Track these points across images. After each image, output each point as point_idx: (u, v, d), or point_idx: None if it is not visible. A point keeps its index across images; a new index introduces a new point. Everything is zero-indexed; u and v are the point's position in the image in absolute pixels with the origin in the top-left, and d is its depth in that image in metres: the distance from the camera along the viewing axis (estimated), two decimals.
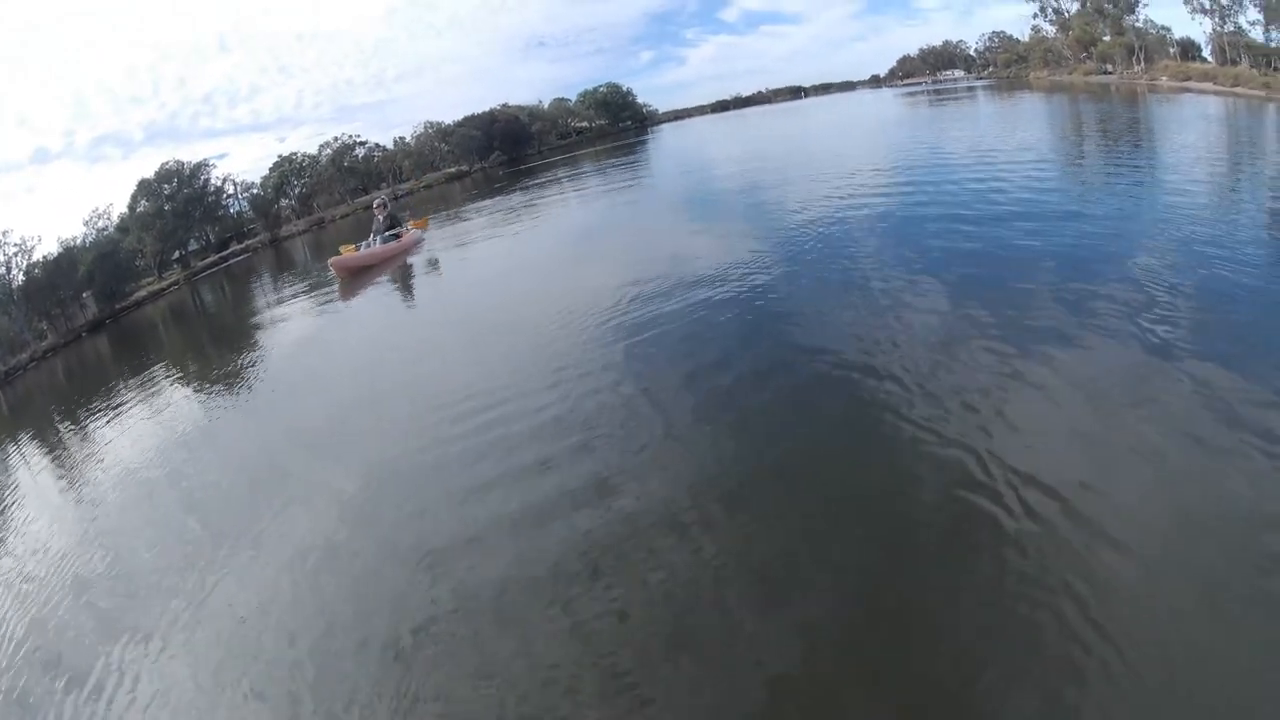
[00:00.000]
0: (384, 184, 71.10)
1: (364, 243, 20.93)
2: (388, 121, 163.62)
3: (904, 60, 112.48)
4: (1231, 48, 48.77)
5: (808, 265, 10.66)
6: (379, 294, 16.55)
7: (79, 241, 45.14)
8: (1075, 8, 66.01)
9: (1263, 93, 37.66)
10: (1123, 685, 3.18)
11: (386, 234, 21.07)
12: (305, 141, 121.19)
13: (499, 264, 17.17)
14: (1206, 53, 54.18)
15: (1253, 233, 9.42)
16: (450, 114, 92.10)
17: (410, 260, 19.60)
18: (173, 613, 5.40)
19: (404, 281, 17.35)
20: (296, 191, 68.30)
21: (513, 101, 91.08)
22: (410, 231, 22.23)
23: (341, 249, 20.50)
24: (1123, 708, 3.11)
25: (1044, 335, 6.72)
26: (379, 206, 22.26)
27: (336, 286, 18.39)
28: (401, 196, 60.10)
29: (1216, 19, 51.52)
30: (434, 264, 18.63)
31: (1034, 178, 15.20)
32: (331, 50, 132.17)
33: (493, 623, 4.35)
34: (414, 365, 10.20)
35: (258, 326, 17.25)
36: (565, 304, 10.63)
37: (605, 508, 5.17)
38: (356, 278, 18.66)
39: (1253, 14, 48.67)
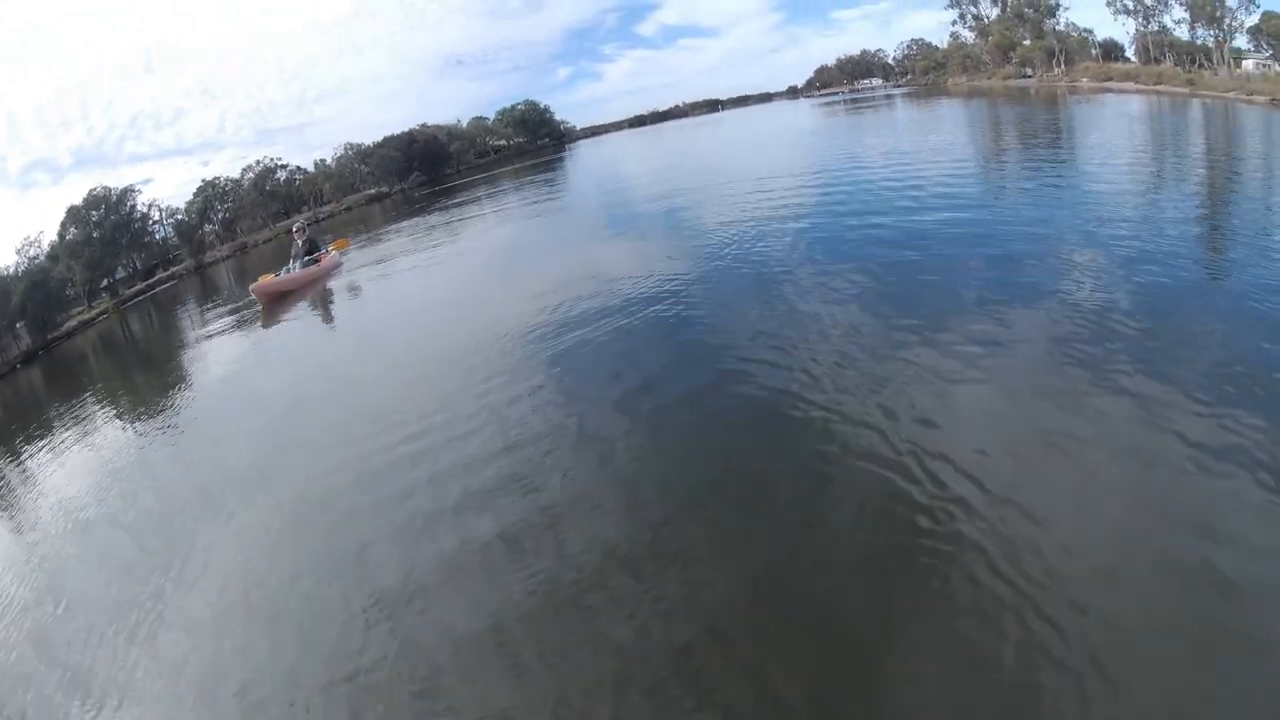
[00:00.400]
0: (305, 208, 70.80)
1: (284, 268, 20.63)
2: (308, 144, 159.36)
3: (821, 70, 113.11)
4: (1156, 47, 49.23)
5: (728, 278, 10.51)
6: (300, 319, 16.26)
7: (11, 271, 43.32)
8: (996, 13, 66.68)
9: (1186, 89, 37.48)
10: (1051, 689, 3.19)
11: (306, 259, 20.88)
12: (228, 165, 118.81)
13: (420, 286, 17.07)
14: (1130, 53, 54.96)
15: (1173, 229, 9.60)
16: (370, 135, 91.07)
17: (330, 284, 19.58)
18: (111, 653, 5.18)
19: (324, 306, 17.11)
20: (220, 216, 67.49)
21: (431, 121, 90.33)
22: (329, 255, 22.09)
23: (261, 278, 20.10)
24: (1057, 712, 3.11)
25: (967, 340, 6.69)
26: (298, 231, 22.21)
27: (259, 312, 18.17)
28: (323, 220, 60.36)
29: (1140, 19, 52.15)
30: (354, 287, 18.43)
31: (951, 182, 15.22)
32: (254, 71, 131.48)
33: (433, 660, 4.19)
34: (338, 391, 9.93)
35: (186, 355, 17.05)
36: (488, 325, 10.39)
37: (536, 535, 5.00)
38: (278, 303, 18.46)
39: (1178, 13, 49.09)
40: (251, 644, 4.79)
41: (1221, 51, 44.89)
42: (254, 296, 19.36)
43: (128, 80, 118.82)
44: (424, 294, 15.88)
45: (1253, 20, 43.87)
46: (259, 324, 17.18)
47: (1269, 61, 41.95)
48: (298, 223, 24.52)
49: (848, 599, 3.91)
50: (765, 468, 5.29)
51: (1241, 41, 45.53)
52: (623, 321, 9.24)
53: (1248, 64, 43.67)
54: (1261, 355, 5.63)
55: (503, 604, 4.41)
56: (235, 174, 71.66)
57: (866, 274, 9.30)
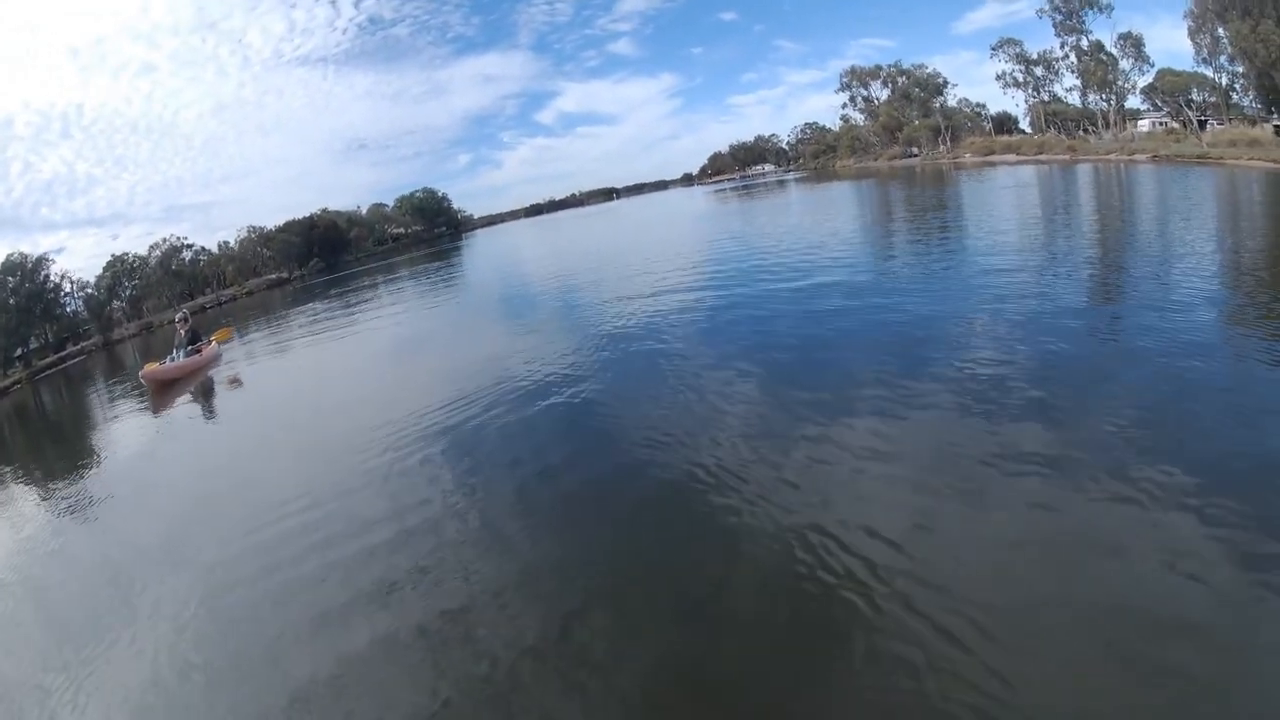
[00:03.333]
0: (208, 289, 72.15)
1: (169, 356, 20.92)
2: (213, 224, 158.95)
3: (714, 157, 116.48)
4: (1048, 116, 52.09)
5: (626, 363, 10.51)
6: (187, 406, 16.30)
7: None
8: (886, 94, 69.63)
9: (1067, 156, 39.53)
10: None
11: (189, 348, 21.01)
12: (136, 240, 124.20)
13: (312, 375, 17.09)
14: (1025, 124, 58.50)
15: (1060, 289, 10.19)
16: (274, 217, 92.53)
17: (212, 373, 19.94)
18: None
19: (206, 395, 17.14)
20: (127, 293, 66.86)
21: (333, 205, 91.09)
22: (210, 346, 22.33)
23: (147, 365, 20.47)
24: None
25: (865, 409, 6.80)
26: (180, 321, 22.28)
27: (148, 398, 18.33)
28: (224, 303, 62.10)
29: (1030, 90, 55.46)
30: (235, 379, 18.37)
31: (841, 261, 15.75)
32: (164, 145, 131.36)
33: None
34: (232, 477, 9.56)
35: (94, 434, 16.96)
36: (383, 414, 10.05)
37: (445, 629, 4.83)
38: (165, 390, 18.71)
39: (1070, 80, 52.41)
40: None
41: (1109, 116, 47.85)
42: (144, 382, 19.62)
43: (46, 143, 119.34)
44: (316, 383, 15.60)
45: (1146, 80, 46.60)
46: (150, 409, 17.27)
47: (1165, 119, 44.13)
48: (181, 312, 24.64)
49: (765, 676, 3.80)
50: (670, 551, 5.22)
51: (1136, 102, 48.73)
52: (522, 411, 9.12)
53: (1143, 124, 46.12)
54: (1159, 406, 5.86)
55: (414, 702, 4.20)
56: (143, 250, 71.51)
57: (762, 354, 9.40)
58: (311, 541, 6.51)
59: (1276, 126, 32.22)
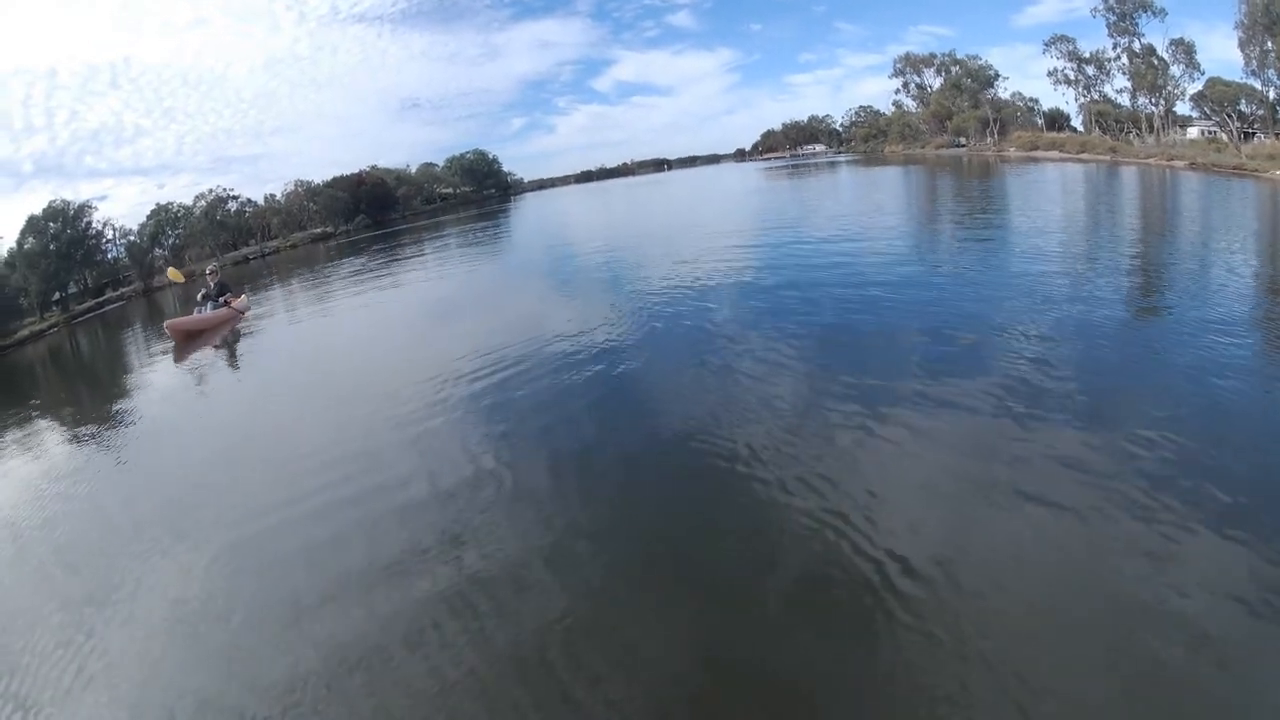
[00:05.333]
0: (253, 240, 72.81)
1: (197, 308, 21.37)
2: (262, 176, 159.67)
3: (767, 135, 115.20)
4: (1099, 116, 50.87)
5: (669, 338, 10.38)
6: (209, 358, 16.46)
7: None
8: (939, 83, 68.51)
9: (1108, 157, 39.27)
10: None
11: (218, 300, 21.46)
12: (182, 191, 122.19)
13: (339, 333, 16.81)
14: (1077, 122, 57.06)
15: (1102, 289, 10.21)
16: (323, 172, 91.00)
17: (240, 326, 20.00)
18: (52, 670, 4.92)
19: (230, 348, 17.18)
20: (170, 242, 67.28)
21: (383, 163, 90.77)
22: (240, 299, 22.66)
23: (171, 318, 20.90)
24: None
25: (904, 401, 6.73)
26: (211, 274, 22.46)
27: (174, 348, 18.56)
28: (269, 255, 63.10)
29: (1080, 89, 54.16)
30: (262, 332, 18.53)
31: (889, 247, 15.77)
32: (214, 97, 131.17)
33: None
34: (259, 431, 9.68)
35: (127, 381, 16.70)
36: (417, 374, 9.99)
37: (474, 599, 4.70)
38: (189, 340, 19.02)
39: (1120, 81, 51.07)
40: (182, 681, 4.58)
41: (1154, 120, 47.00)
42: (168, 332, 19.87)
43: (92, 93, 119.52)
44: (345, 341, 15.64)
45: (1196, 87, 45.36)
46: (174, 358, 17.48)
47: (1214, 129, 43.32)
48: (211, 265, 24.74)
49: (793, 663, 3.79)
50: (706, 531, 5.14)
51: (1185, 108, 47.35)
52: (558, 377, 9.06)
53: (1192, 131, 45.29)
54: (1192, 421, 5.75)
55: (439, 671, 4.16)
56: (189, 200, 71.60)
57: (804, 338, 9.29)
58: (332, 499, 6.49)
59: None
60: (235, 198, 74.95)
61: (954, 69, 66.19)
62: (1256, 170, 27.82)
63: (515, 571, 4.89)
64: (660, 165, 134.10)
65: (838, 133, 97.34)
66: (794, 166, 71.07)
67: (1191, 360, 7.09)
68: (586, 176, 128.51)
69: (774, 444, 6.24)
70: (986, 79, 63.14)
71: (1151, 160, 34.87)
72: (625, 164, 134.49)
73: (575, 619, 4.36)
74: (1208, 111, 44.08)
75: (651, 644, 4.08)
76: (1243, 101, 41.46)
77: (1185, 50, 45.73)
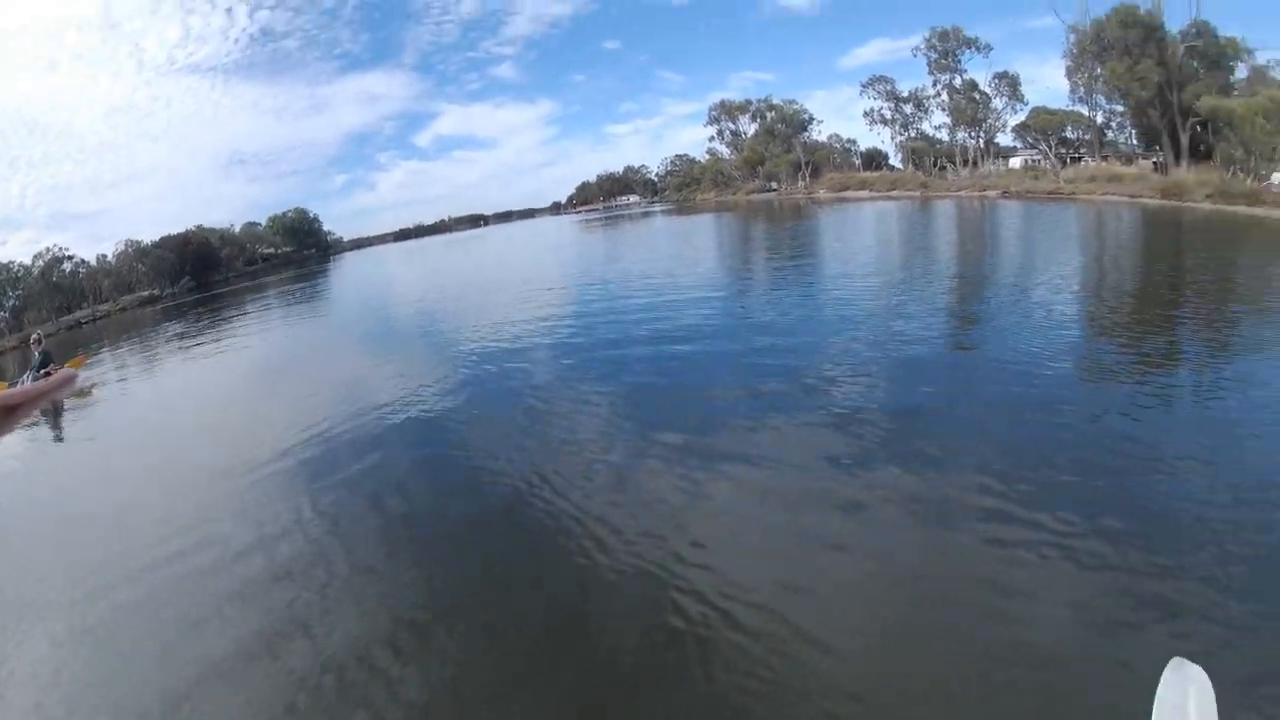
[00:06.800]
0: (85, 303, 70.21)
1: (19, 379, 20.60)
2: (99, 234, 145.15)
3: (582, 187, 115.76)
4: (916, 153, 53.51)
5: (485, 399, 10.22)
6: (34, 431, 15.67)
7: None
8: (754, 129, 69.87)
9: (918, 193, 39.79)
10: None
11: (39, 372, 20.51)
12: (23, 248, 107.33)
13: (162, 401, 16.15)
14: (896, 159, 59.76)
15: (915, 319, 10.77)
16: (154, 231, 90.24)
17: (64, 397, 18.92)
18: None
19: (56, 419, 16.41)
20: (10, 304, 64.42)
21: (209, 222, 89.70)
22: (62, 370, 21.49)
23: None
24: None
25: (725, 452, 6.79)
26: (34, 342, 22.37)
27: None
28: (99, 319, 60.82)
29: (898, 128, 56.57)
30: (85, 394, 18.44)
31: (701, 294, 16.05)
32: (58, 147, 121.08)
33: None
34: (74, 511, 9.12)
35: None
36: (240, 442, 9.87)
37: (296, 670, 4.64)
38: (9, 415, 17.67)
39: (939, 118, 53.88)
40: None
41: (972, 153, 49.63)
42: None
43: None
44: (169, 409, 15.02)
45: (1019, 118, 48.37)
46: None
47: (1038, 157, 45.75)
48: (35, 334, 24.90)
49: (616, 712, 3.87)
50: (524, 584, 5.19)
51: (1007, 139, 50.79)
52: (380, 438, 9.00)
53: (1015, 160, 48.13)
54: (1010, 443, 6.04)
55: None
56: (28, 259, 69.38)
57: (619, 394, 9.28)
58: (158, 579, 6.24)
59: (1155, 163, 34.45)
60: (70, 257, 72.49)
61: (769, 114, 67.54)
62: (1074, 193, 29.00)
63: (359, 652, 4.71)
64: (477, 221, 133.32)
65: (653, 182, 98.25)
66: (607, 218, 72.42)
67: (997, 392, 7.39)
68: (405, 235, 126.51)
69: (596, 501, 6.23)
70: (800, 123, 64.57)
71: (964, 192, 35.51)
72: (443, 220, 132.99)
73: (411, 689, 4.29)
74: (1030, 140, 46.84)
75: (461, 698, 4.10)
76: (1069, 128, 44.16)
77: (1009, 83, 48.47)
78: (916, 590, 4.17)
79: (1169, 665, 2.78)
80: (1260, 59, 33.90)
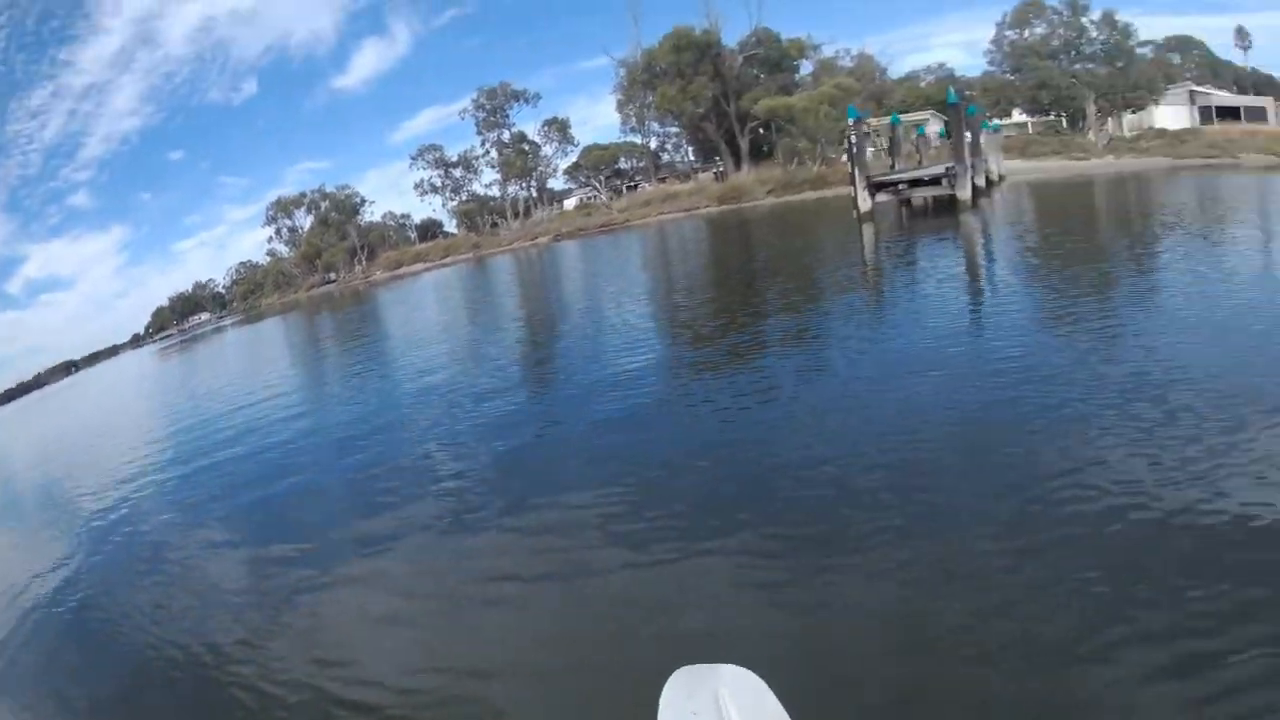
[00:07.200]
0: None
1: None
2: None
3: (156, 313, 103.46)
4: (466, 216, 49.98)
5: (109, 562, 8.13)
6: None
7: None
8: (309, 221, 64.48)
9: (471, 254, 36.52)
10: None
11: None
12: None
13: None
14: (451, 226, 57.04)
15: (486, 383, 10.17)
16: None
17: None
18: None
19: None
20: None
21: None
22: None
23: None
24: None
25: (353, 556, 5.87)
26: None
27: None
28: None
29: (449, 193, 53.75)
30: None
31: (280, 403, 14.27)
32: None
33: None
34: None
35: None
36: None
37: None
38: None
39: (490, 175, 51.43)
40: None
41: (523, 204, 47.04)
42: None
43: None
44: None
45: (570, 160, 47.05)
46: None
47: (594, 194, 44.46)
48: None
49: None
50: None
51: (560, 183, 49.43)
52: None
53: (570, 201, 46.73)
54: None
55: None
56: None
57: (226, 533, 7.97)
58: None
59: (716, 173, 33.76)
60: None
61: (323, 204, 63.26)
62: (628, 220, 27.64)
63: None
64: (69, 368, 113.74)
65: (221, 296, 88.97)
66: (183, 342, 66.04)
67: (599, 411, 7.32)
68: (8, 397, 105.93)
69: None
70: (352, 207, 61.51)
71: (516, 244, 33.13)
72: (39, 375, 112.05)
73: None
74: (583, 179, 46.17)
75: None
76: (622, 159, 43.80)
77: (559, 128, 47.33)
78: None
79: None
80: (828, 52, 36.20)
